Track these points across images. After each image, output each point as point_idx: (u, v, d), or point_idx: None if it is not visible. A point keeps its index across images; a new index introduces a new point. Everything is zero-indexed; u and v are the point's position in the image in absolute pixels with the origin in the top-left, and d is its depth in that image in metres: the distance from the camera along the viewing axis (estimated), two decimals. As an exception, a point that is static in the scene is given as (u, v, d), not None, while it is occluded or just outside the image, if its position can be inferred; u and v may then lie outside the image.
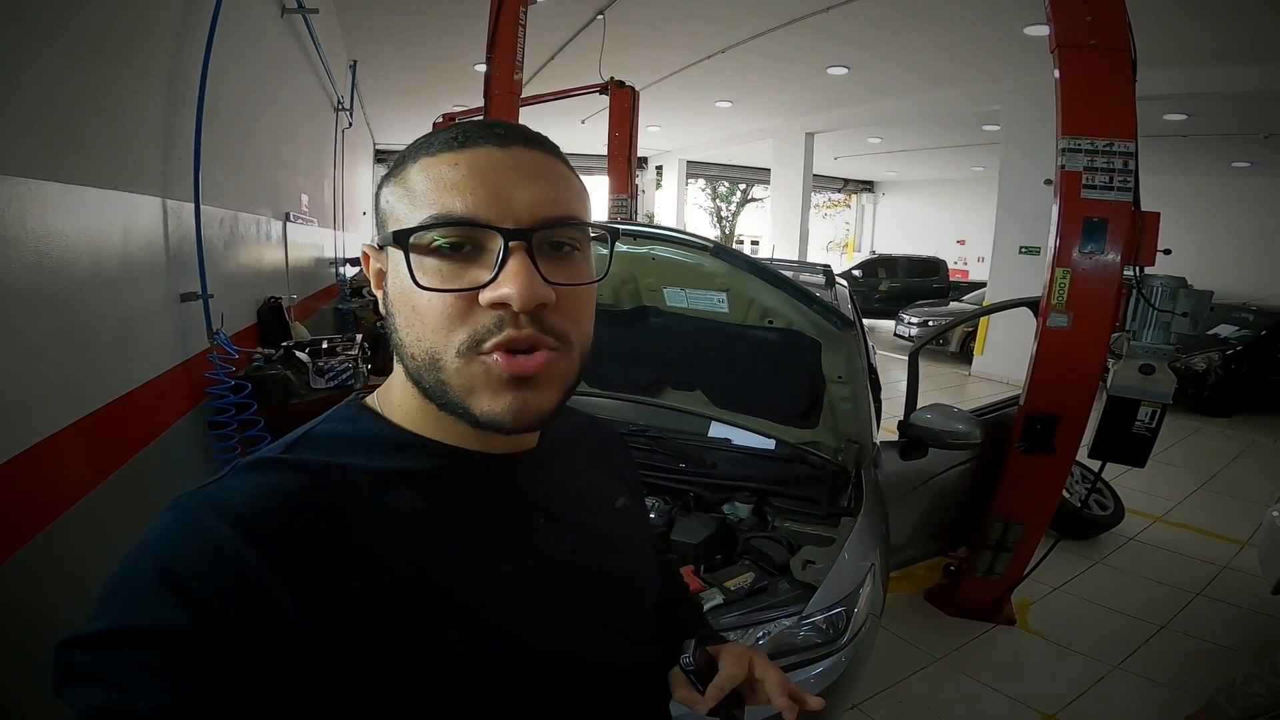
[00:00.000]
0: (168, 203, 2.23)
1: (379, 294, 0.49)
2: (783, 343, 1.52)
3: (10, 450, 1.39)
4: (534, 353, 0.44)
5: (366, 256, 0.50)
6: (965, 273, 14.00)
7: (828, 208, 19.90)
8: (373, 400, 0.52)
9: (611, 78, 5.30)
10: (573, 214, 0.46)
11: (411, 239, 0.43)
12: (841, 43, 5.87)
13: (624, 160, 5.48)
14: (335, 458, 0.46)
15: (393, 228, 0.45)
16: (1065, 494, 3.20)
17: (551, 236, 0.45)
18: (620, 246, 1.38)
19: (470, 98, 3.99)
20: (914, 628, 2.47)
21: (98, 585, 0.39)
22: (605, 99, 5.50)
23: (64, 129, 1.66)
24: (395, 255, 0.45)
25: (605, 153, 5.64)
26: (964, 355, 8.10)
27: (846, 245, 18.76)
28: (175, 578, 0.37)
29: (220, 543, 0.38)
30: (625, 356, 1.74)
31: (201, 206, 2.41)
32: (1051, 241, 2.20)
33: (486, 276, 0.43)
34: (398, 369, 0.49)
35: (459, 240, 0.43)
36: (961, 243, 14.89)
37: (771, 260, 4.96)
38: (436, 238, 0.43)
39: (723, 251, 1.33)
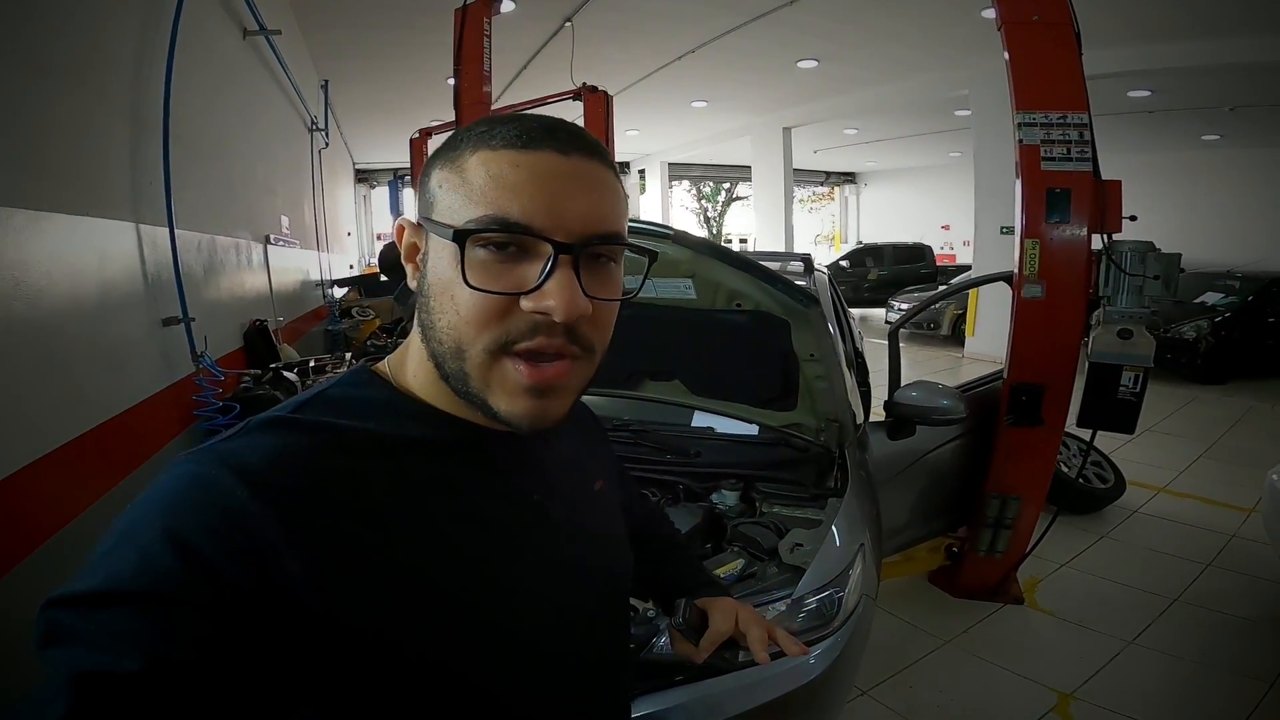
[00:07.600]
0: (141, 228, 2.23)
1: (409, 268, 0.50)
2: (753, 325, 1.52)
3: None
4: (557, 361, 0.45)
5: (401, 229, 0.50)
6: (953, 257, 14.09)
7: (813, 202, 20.00)
8: (383, 367, 0.53)
9: (584, 84, 5.30)
10: (618, 230, 0.47)
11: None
12: (808, 36, 5.93)
13: (603, 164, 5.50)
14: (348, 420, 0.46)
15: (441, 215, 0.45)
16: (1064, 468, 3.19)
17: (594, 250, 0.45)
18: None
19: (448, 111, 4.01)
20: (920, 611, 2.43)
21: None
22: (582, 106, 5.51)
23: (30, 155, 1.65)
24: (439, 242, 0.45)
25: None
26: (956, 338, 8.14)
27: (833, 237, 18.86)
28: (182, 535, 0.36)
29: (234, 502, 0.37)
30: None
31: (176, 230, 2.41)
32: (1019, 214, 2.23)
33: (531, 280, 0.44)
34: (415, 340, 0.50)
35: (506, 241, 0.43)
36: (946, 228, 14.99)
37: (754, 253, 4.96)
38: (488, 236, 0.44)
39: (683, 238, 1.34)
